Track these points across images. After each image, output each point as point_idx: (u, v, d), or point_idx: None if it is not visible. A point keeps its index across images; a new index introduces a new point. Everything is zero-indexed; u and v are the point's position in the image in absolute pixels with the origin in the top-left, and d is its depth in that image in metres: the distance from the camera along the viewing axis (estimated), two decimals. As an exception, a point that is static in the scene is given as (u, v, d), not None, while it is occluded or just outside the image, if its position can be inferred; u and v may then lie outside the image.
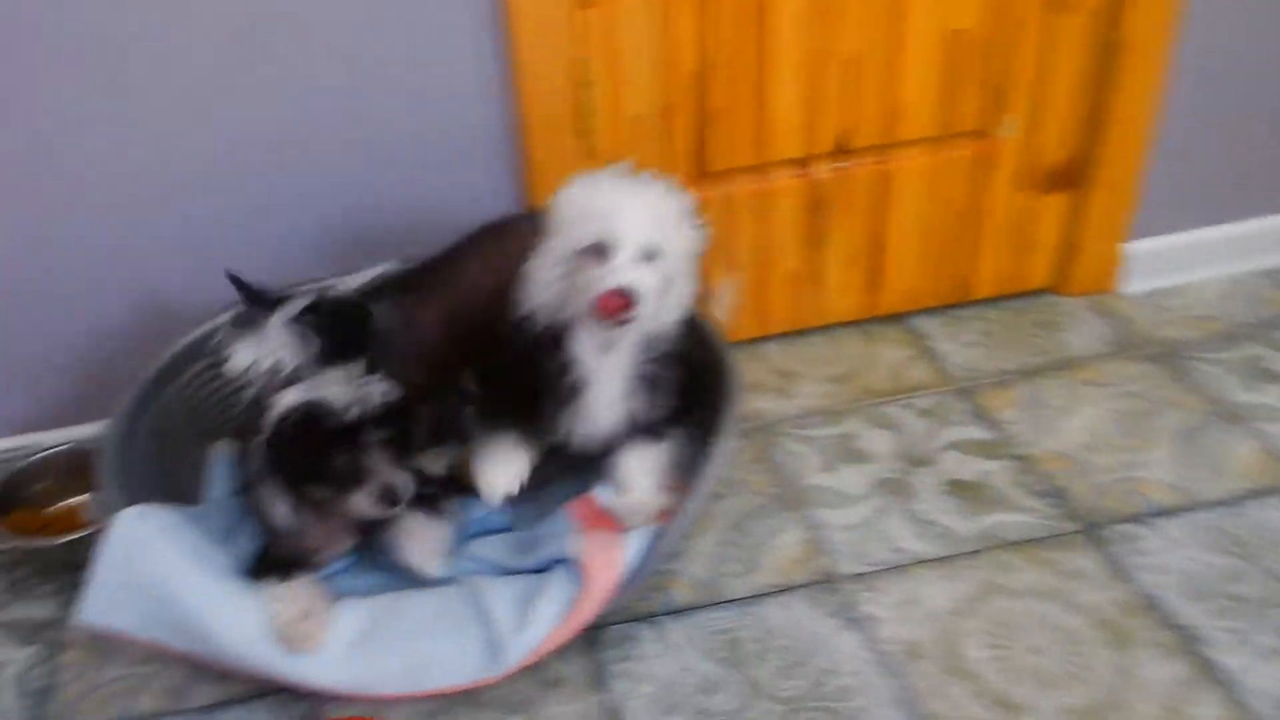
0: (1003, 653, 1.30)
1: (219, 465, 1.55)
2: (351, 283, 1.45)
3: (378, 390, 1.23)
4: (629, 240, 1.19)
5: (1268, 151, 1.80)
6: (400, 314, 1.40)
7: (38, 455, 1.61)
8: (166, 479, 1.47)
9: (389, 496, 1.23)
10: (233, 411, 1.57)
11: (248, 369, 1.36)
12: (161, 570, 1.22)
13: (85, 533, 1.49)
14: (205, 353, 1.54)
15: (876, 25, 1.55)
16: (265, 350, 1.36)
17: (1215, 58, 1.68)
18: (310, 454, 1.21)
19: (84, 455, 1.62)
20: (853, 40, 1.56)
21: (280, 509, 1.25)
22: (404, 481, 1.24)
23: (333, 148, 1.52)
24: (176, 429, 1.52)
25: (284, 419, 1.22)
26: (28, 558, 1.50)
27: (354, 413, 1.20)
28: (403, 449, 1.25)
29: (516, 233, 1.43)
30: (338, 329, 1.37)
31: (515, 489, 1.37)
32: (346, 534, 1.34)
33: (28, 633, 1.44)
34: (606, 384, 1.31)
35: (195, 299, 1.56)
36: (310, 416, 1.21)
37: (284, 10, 1.41)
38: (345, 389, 1.22)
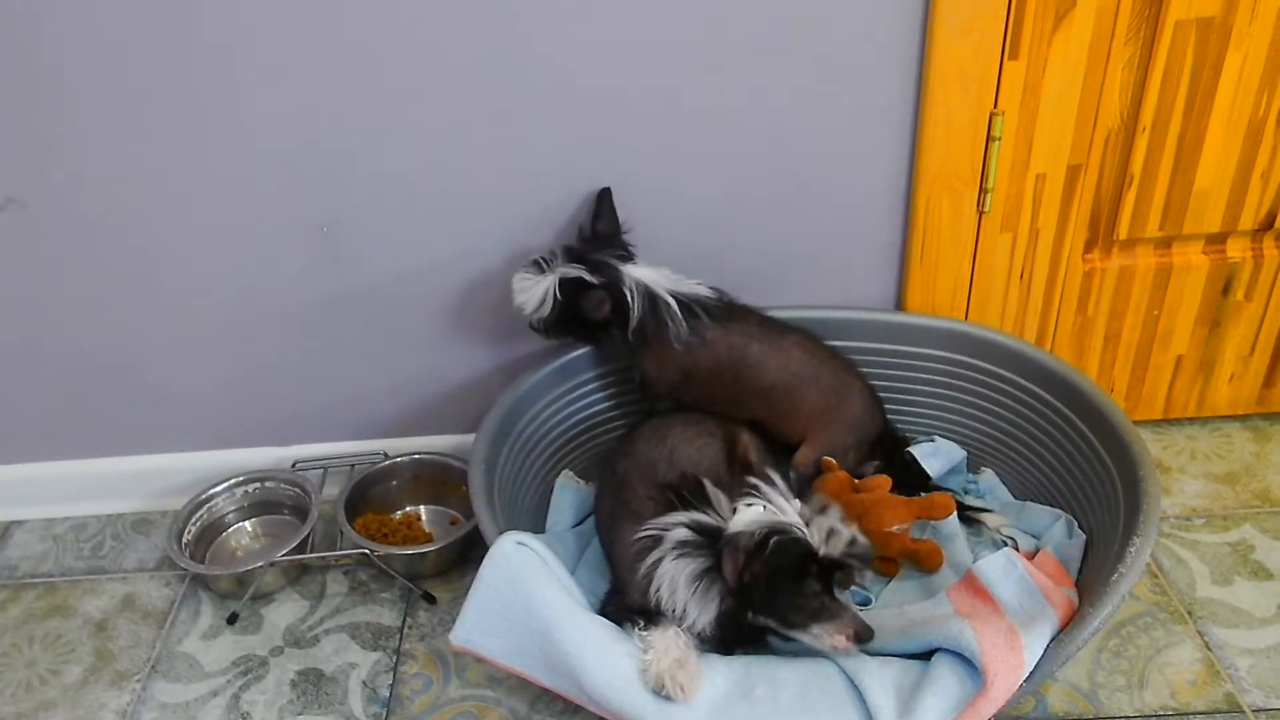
0: None
1: (561, 496, 1.54)
2: (666, 280, 1.43)
3: (840, 528, 1.16)
4: None
5: None
6: (695, 325, 1.41)
7: (386, 461, 1.65)
8: (517, 504, 1.46)
9: (863, 637, 1.17)
10: (578, 442, 1.58)
11: (516, 301, 1.43)
12: (536, 602, 1.19)
13: (432, 547, 1.51)
14: (562, 382, 1.54)
15: (1337, 93, 1.39)
16: (531, 296, 1.40)
17: None
18: (786, 589, 1.16)
19: (428, 466, 1.66)
20: (1301, 108, 1.40)
21: (706, 615, 1.20)
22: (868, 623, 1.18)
23: (722, 178, 1.48)
24: (527, 454, 1.51)
25: (761, 546, 1.15)
26: (371, 562, 1.52)
27: (829, 550, 1.15)
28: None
29: (829, 357, 1.49)
30: (579, 306, 1.40)
31: None
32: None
33: (372, 637, 1.45)
34: None
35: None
36: (790, 549, 1.15)
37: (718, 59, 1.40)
38: (807, 520, 1.17)
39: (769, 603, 1.18)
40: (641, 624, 1.20)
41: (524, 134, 1.44)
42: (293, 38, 1.36)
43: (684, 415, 1.45)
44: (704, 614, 1.20)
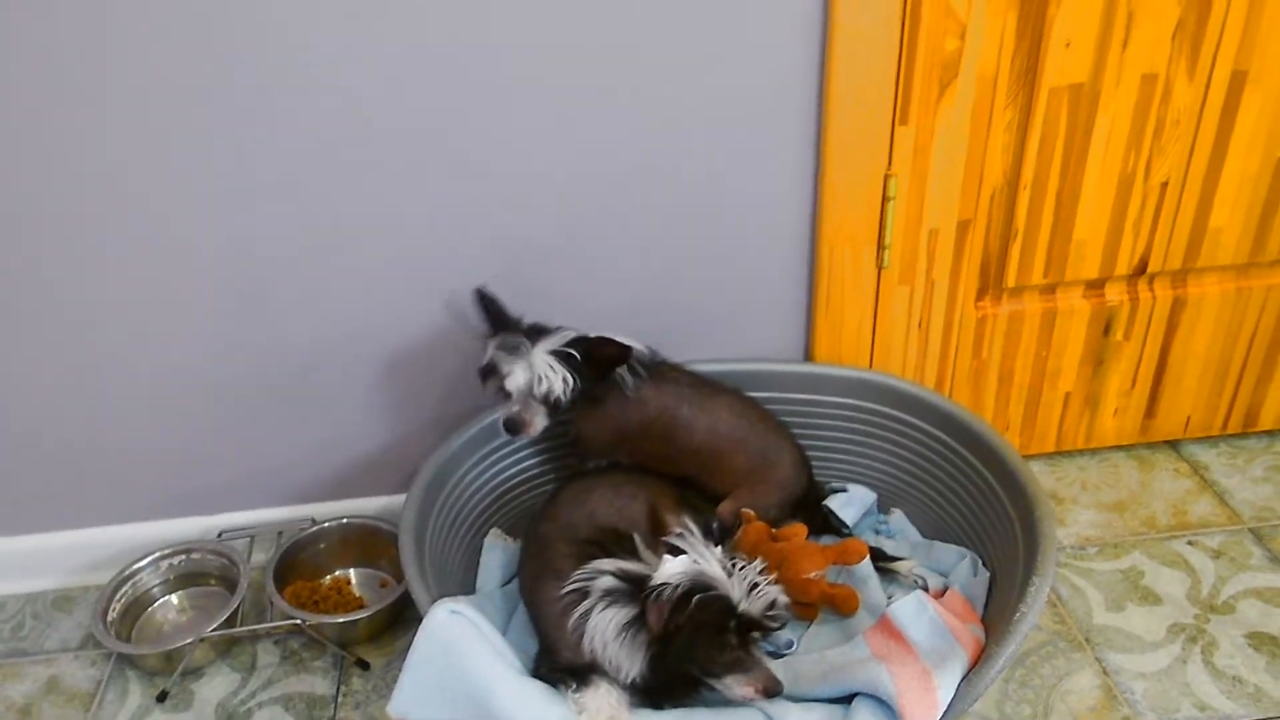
0: (1342, 838, 1.21)
1: (490, 555, 1.57)
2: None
3: (763, 584, 1.21)
4: None
5: None
6: (635, 383, 1.45)
7: (314, 527, 1.66)
8: (447, 565, 1.49)
9: (771, 691, 1.22)
10: (504, 501, 1.62)
11: (522, 389, 1.39)
12: (472, 670, 1.22)
13: (364, 613, 1.53)
14: (485, 443, 1.58)
15: (1198, 150, 1.50)
16: (538, 375, 1.38)
17: None
18: (705, 641, 1.20)
19: (356, 530, 1.67)
20: (1168, 165, 1.52)
21: (636, 663, 1.24)
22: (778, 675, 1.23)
23: (636, 242, 1.55)
24: (455, 516, 1.54)
25: (684, 600, 1.19)
26: (302, 630, 1.53)
27: (749, 607, 1.20)
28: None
29: (760, 419, 1.54)
30: (597, 368, 1.41)
31: None
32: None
33: (306, 708, 1.46)
34: None
35: (475, 390, 1.60)
36: (712, 605, 1.19)
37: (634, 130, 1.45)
38: (729, 573, 1.21)
39: (688, 652, 1.22)
40: (574, 685, 1.24)
41: (449, 207, 1.48)
42: (224, 110, 1.38)
43: (606, 477, 1.49)
44: (633, 663, 1.24)
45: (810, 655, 1.37)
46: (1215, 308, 1.64)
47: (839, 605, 1.43)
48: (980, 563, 1.46)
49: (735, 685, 1.22)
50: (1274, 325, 1.67)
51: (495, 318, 1.44)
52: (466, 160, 1.45)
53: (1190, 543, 1.61)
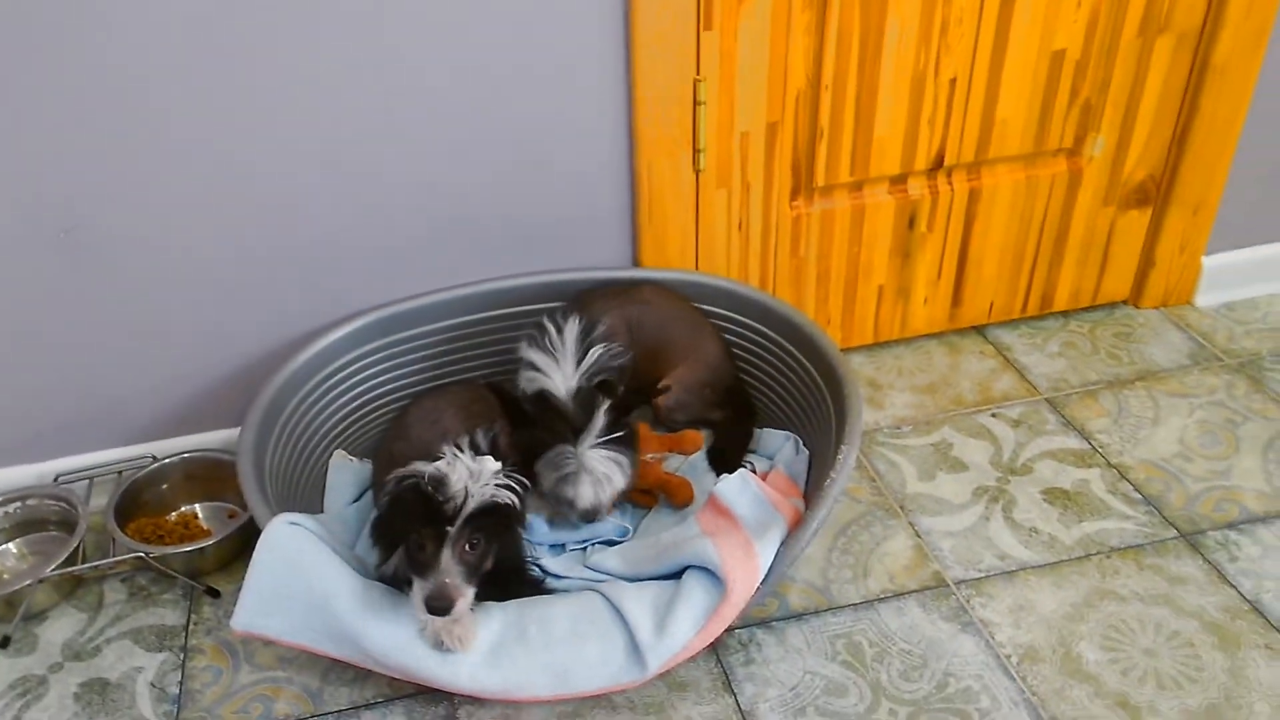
0: (1118, 655, 1.35)
1: (337, 475, 1.59)
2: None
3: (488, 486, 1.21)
4: None
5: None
6: (593, 317, 1.52)
7: (155, 464, 1.65)
8: (292, 489, 1.51)
9: (432, 605, 1.19)
10: (348, 423, 1.64)
11: (598, 503, 1.43)
12: (313, 577, 1.26)
13: (210, 541, 1.53)
14: (325, 365, 1.59)
15: (980, 47, 1.60)
16: (600, 481, 1.42)
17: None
18: (402, 520, 1.22)
19: (199, 464, 1.67)
20: (955, 61, 1.61)
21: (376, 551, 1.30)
22: (461, 597, 1.19)
23: (463, 160, 1.57)
24: (298, 439, 1.56)
25: (404, 479, 1.23)
26: (149, 565, 1.53)
27: (462, 504, 1.19)
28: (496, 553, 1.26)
29: (680, 298, 1.65)
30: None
31: None
32: None
33: (156, 639, 1.47)
34: None
35: (314, 313, 1.63)
36: (420, 488, 1.20)
37: (427, 35, 1.46)
38: (473, 473, 1.21)
39: (387, 530, 1.27)
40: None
41: (283, 126, 1.48)
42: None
43: (457, 395, 1.53)
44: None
45: (646, 539, 1.45)
46: (1008, 197, 1.77)
47: (672, 494, 1.51)
48: (801, 444, 1.55)
49: (416, 593, 1.21)
50: (1060, 212, 1.81)
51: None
52: (317, 95, 1.46)
53: (994, 415, 1.74)
